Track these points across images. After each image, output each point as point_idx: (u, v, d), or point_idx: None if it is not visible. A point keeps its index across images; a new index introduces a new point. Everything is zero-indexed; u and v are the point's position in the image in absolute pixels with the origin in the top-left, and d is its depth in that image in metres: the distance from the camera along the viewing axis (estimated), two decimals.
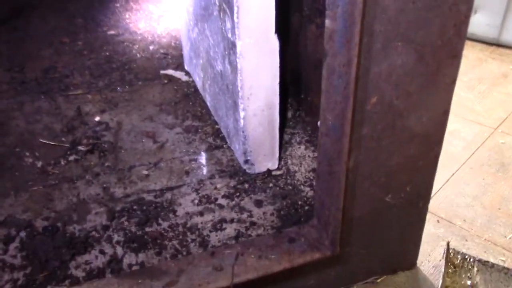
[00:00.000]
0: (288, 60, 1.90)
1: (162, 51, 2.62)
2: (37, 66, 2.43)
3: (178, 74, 2.32)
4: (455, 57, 1.10)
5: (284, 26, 1.86)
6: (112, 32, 2.81)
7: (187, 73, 2.34)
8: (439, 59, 1.07)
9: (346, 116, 1.07)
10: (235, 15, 1.33)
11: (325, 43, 1.03)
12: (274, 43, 1.39)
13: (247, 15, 1.33)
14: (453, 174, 1.98)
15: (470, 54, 2.96)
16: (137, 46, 2.68)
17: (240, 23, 1.34)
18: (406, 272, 1.48)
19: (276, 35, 1.37)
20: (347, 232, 1.29)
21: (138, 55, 2.58)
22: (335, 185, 1.21)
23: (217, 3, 1.48)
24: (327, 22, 0.99)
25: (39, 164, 1.75)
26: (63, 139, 1.88)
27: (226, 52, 1.51)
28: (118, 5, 3.20)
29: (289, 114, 2.02)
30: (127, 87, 2.26)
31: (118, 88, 2.24)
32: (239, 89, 1.47)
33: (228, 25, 1.41)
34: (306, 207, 1.55)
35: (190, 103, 2.12)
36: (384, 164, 1.21)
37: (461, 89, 2.67)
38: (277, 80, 1.49)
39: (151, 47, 2.66)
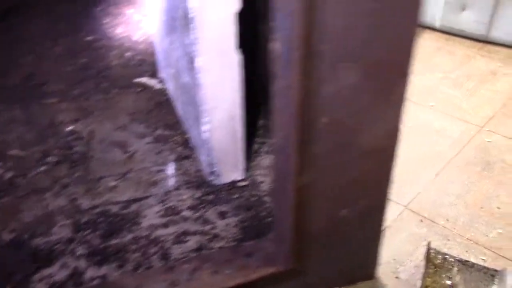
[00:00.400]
0: (257, 68, 1.90)
1: (138, 57, 2.62)
2: (18, 72, 2.45)
3: (153, 82, 2.32)
4: (403, 75, 1.09)
5: (255, 35, 1.85)
6: (90, 37, 2.82)
7: (161, 81, 2.33)
8: (387, 77, 1.07)
9: (293, 136, 1.07)
10: (194, 30, 1.32)
11: (272, 64, 1.03)
12: (235, 57, 1.39)
13: (207, 31, 1.32)
14: (438, 173, 1.97)
15: (458, 51, 2.92)
16: (114, 52, 2.68)
17: (199, 39, 1.33)
18: (366, 282, 1.48)
19: (238, 49, 1.36)
20: (304, 245, 1.29)
21: (114, 62, 2.58)
22: (287, 201, 1.21)
23: (180, 17, 1.47)
24: (273, 44, 0.99)
25: (9, 175, 1.77)
26: (34, 149, 1.89)
27: (189, 66, 1.51)
28: (99, 9, 3.19)
29: (260, 123, 2.01)
30: (102, 95, 2.27)
31: (93, 97, 2.24)
32: (201, 102, 1.47)
33: (189, 40, 1.40)
34: (269, 219, 1.55)
35: (163, 112, 2.13)
36: (338, 180, 1.20)
37: (449, 86, 2.63)
38: (240, 93, 1.48)
39: (127, 54, 2.66)
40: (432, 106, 2.45)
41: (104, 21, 3.04)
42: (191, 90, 1.59)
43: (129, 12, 3.13)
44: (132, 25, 2.97)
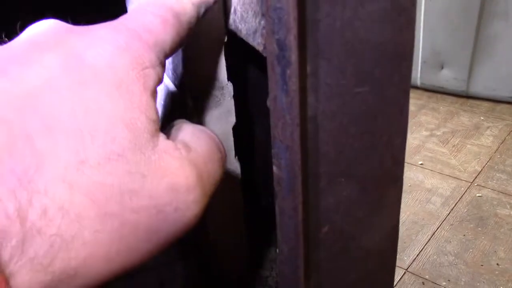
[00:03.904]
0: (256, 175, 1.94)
1: None
2: None
3: None
4: (396, 181, 1.14)
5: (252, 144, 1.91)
6: None
7: None
8: (381, 186, 1.12)
9: (299, 250, 1.10)
10: None
11: (275, 184, 1.08)
12: (234, 165, 1.44)
13: None
14: (434, 233, 1.99)
15: (441, 107, 3.02)
16: None
17: None
18: None
19: (236, 157, 1.42)
20: None
21: None
22: None
23: None
24: (275, 168, 1.04)
25: None
26: None
27: None
28: None
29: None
30: None
31: None
32: None
33: None
34: None
35: None
36: (343, 282, 1.22)
37: (436, 143, 2.71)
38: (240, 197, 1.52)
39: None
40: (421, 164, 2.51)
41: None
42: None
43: None
44: None
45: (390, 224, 1.28)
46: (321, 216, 1.02)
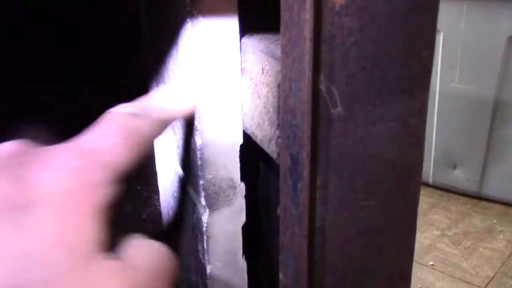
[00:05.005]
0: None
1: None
2: None
3: None
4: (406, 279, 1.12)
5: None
6: None
7: None
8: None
9: None
10: (205, 242, 1.37)
11: None
12: (241, 264, 1.43)
13: (216, 242, 1.37)
14: None
15: (453, 207, 2.99)
16: (119, 234, 2.72)
17: (210, 249, 1.39)
18: None
19: (244, 256, 1.41)
20: None
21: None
22: None
23: (191, 223, 1.54)
24: (281, 275, 1.04)
25: None
26: None
27: (198, 270, 1.54)
28: None
29: None
30: None
31: None
32: None
33: (199, 247, 1.45)
34: None
35: None
36: None
37: (447, 244, 2.65)
38: None
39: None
40: (432, 265, 2.45)
41: None
42: None
43: (138, 189, 3.24)
44: (140, 202, 3.05)
45: None
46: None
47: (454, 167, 3.03)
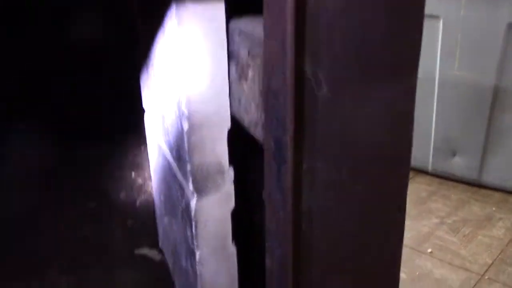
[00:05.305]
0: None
1: (139, 226, 2.64)
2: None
3: (153, 253, 2.30)
4: (394, 278, 1.12)
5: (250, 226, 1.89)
6: (91, 204, 2.86)
7: (161, 251, 2.31)
8: (377, 284, 1.09)
9: None
10: (193, 228, 1.37)
11: (266, 277, 1.06)
12: (231, 250, 1.43)
13: (205, 227, 1.38)
14: None
15: (453, 195, 2.98)
16: (116, 220, 2.71)
17: (198, 235, 1.38)
18: None
19: (233, 242, 1.41)
20: None
21: (116, 231, 2.59)
22: None
23: (180, 208, 1.53)
24: (267, 261, 1.04)
25: None
26: None
27: (188, 256, 1.53)
28: (102, 173, 3.28)
29: None
30: (101, 270, 2.25)
31: (93, 271, 2.20)
32: None
33: (188, 233, 1.45)
34: None
35: None
36: None
37: (446, 232, 2.64)
38: (236, 281, 1.50)
39: (129, 221, 2.69)
40: (430, 252, 2.45)
41: (107, 186, 3.10)
42: (189, 277, 1.59)
43: (132, 176, 3.22)
44: (134, 189, 3.03)
45: None
46: None
47: (454, 155, 3.02)
